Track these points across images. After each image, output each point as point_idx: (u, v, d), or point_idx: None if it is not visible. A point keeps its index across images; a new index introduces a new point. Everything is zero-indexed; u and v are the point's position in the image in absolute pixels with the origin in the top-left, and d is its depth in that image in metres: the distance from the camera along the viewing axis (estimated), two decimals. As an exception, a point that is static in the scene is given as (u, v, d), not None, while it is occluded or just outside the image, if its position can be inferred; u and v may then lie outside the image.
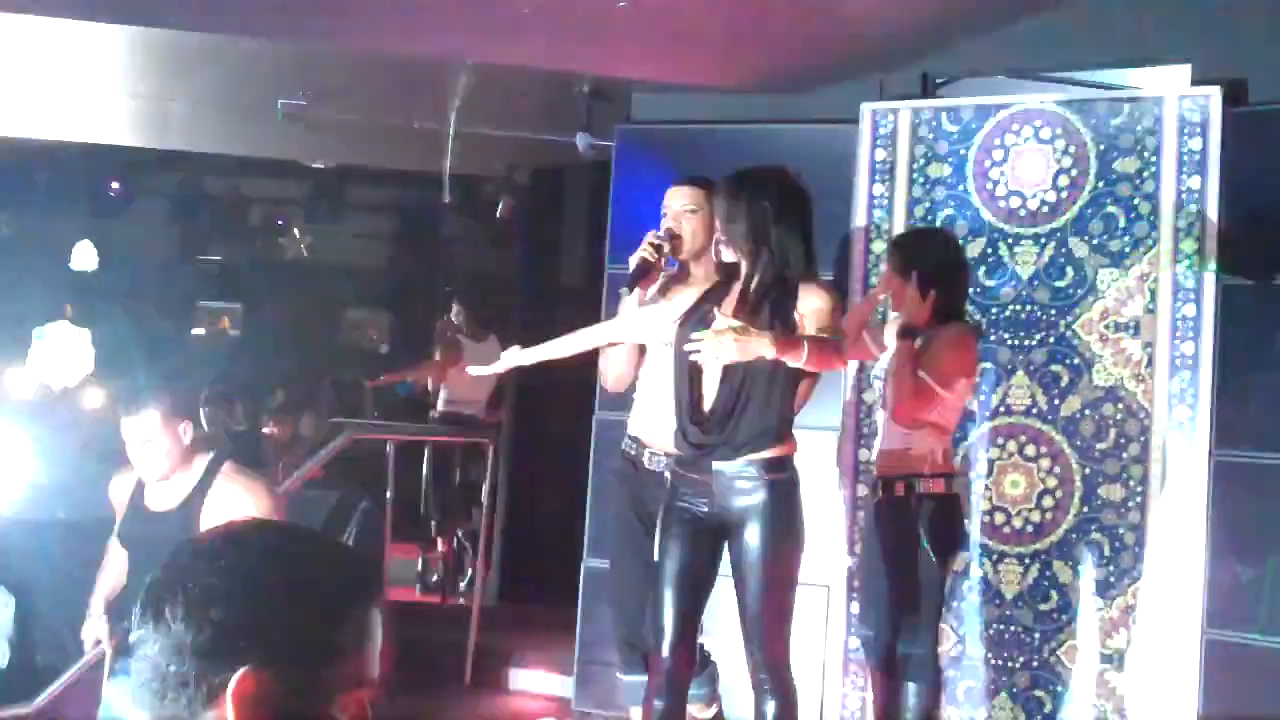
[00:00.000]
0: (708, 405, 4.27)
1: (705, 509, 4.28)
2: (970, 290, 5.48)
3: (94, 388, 10.55)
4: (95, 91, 8.12)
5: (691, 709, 4.58)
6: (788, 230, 4.28)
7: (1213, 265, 5.15)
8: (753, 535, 4.23)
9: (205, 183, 12.48)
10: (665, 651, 4.32)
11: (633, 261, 4.53)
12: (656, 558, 4.36)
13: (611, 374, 4.88)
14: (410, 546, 9.06)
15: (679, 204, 4.69)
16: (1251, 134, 5.25)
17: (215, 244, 13.25)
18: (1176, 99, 5.24)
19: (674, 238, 4.62)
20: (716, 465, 4.25)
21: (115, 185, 11.70)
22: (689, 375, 4.29)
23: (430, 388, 9.35)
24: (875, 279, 5.65)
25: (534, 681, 6.44)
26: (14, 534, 6.80)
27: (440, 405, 9.02)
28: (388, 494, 6.94)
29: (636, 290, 4.53)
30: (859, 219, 5.70)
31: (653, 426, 4.62)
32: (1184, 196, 5.21)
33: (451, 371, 8.77)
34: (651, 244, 4.53)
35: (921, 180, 5.64)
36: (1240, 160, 5.21)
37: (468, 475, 8.91)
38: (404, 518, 8.19)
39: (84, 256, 11.98)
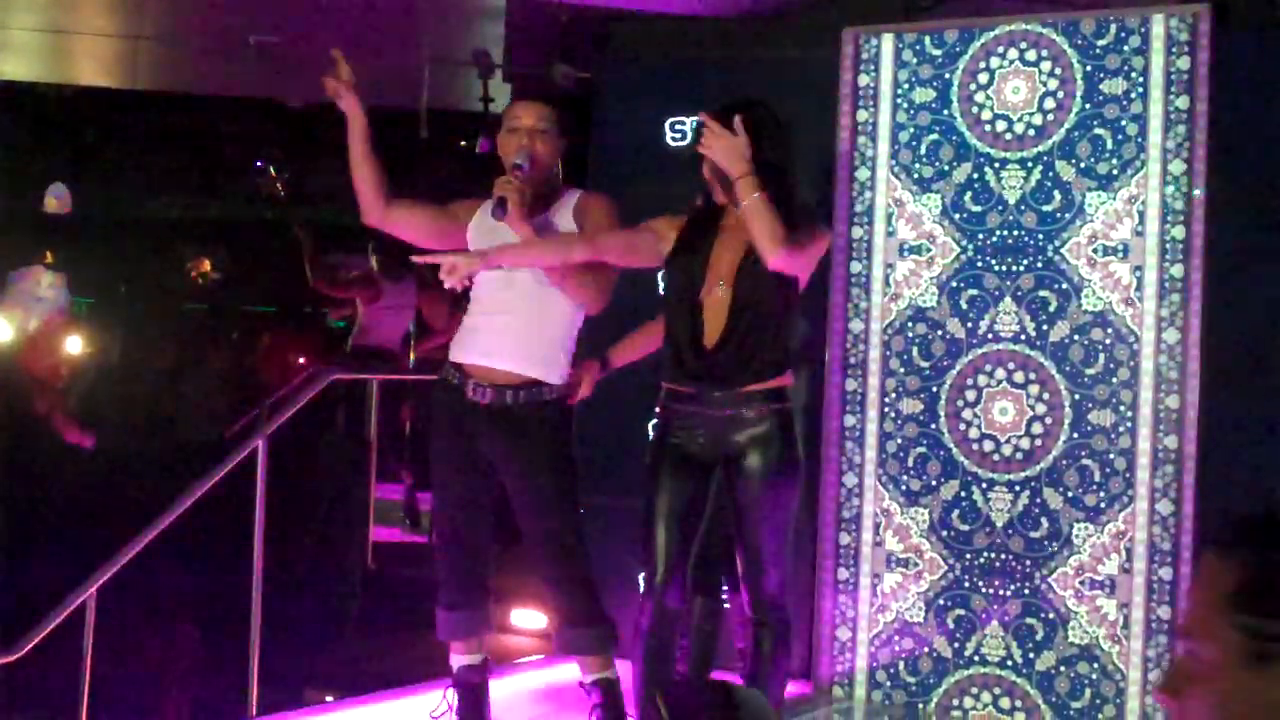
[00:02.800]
0: (711, 336, 4.21)
1: (701, 442, 4.24)
2: (957, 216, 5.42)
3: (72, 333, 10.46)
4: (61, 32, 7.99)
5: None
6: (772, 162, 4.21)
7: (1202, 186, 5.08)
8: (754, 467, 4.19)
9: (178, 122, 12.36)
10: (657, 588, 4.29)
11: (509, 194, 4.19)
12: (646, 494, 4.32)
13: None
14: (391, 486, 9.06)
15: (530, 121, 4.37)
16: (1239, 52, 5.17)
17: (190, 185, 13.15)
18: (1164, 17, 5.15)
19: (532, 160, 4.31)
20: (719, 395, 4.20)
21: (90, 128, 11.60)
22: (690, 307, 4.23)
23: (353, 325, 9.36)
24: (859, 206, 5.58)
25: (523, 619, 6.41)
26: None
27: (355, 341, 9.02)
28: (371, 434, 6.89)
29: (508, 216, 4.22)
30: (842, 145, 5.62)
31: (479, 354, 4.38)
32: (1172, 117, 5.14)
33: (369, 309, 8.84)
34: (515, 178, 4.23)
35: (905, 105, 5.55)
36: (1229, 78, 5.14)
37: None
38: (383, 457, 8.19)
39: (55, 199, 11.85)
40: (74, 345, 10.57)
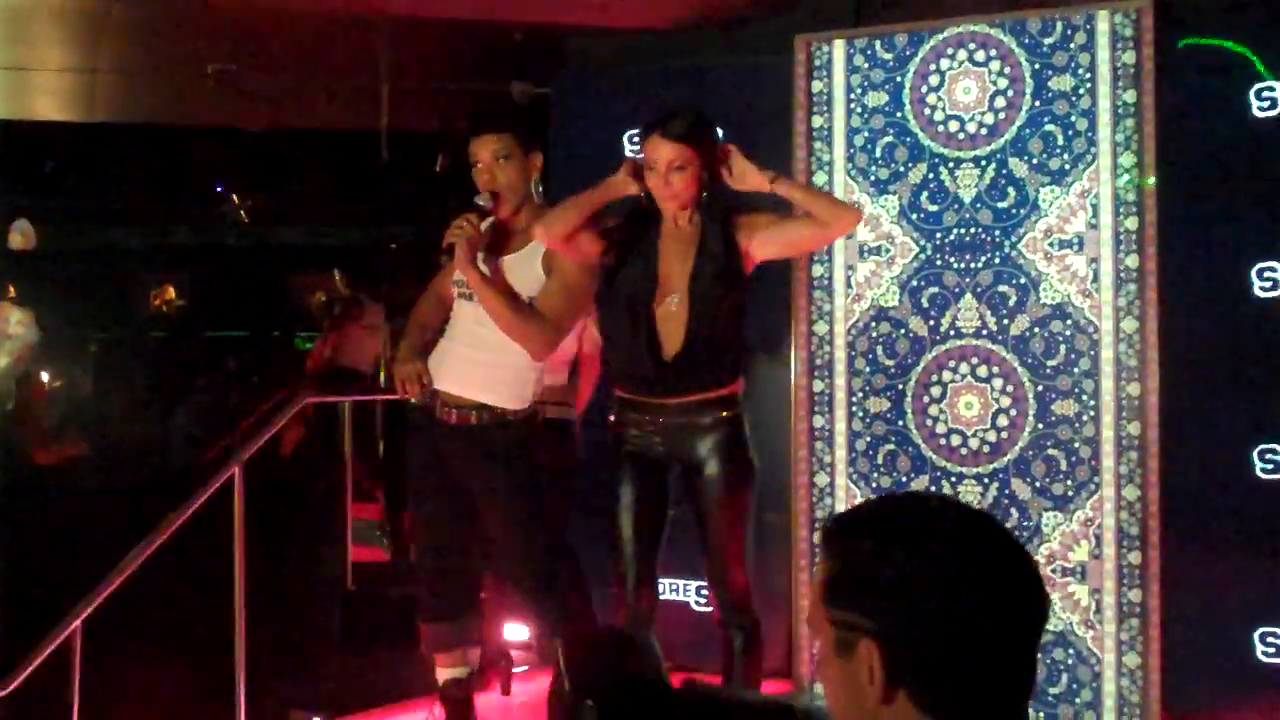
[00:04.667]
0: (669, 347, 4.30)
1: (659, 450, 4.33)
2: (915, 216, 5.52)
3: (40, 366, 10.48)
4: (18, 67, 8.02)
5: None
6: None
7: (1152, 178, 5.19)
8: (713, 474, 4.29)
9: (138, 154, 12.39)
10: (629, 593, 4.38)
11: (456, 241, 4.27)
12: (610, 502, 4.42)
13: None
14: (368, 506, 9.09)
15: (488, 155, 4.42)
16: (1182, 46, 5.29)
17: (154, 214, 13.16)
18: (1109, 13, 5.26)
19: (496, 196, 4.40)
20: (675, 404, 4.29)
21: (47, 162, 11.60)
22: (645, 319, 4.31)
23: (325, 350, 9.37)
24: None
25: (509, 632, 6.46)
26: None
27: (329, 361, 9.03)
28: (346, 455, 6.94)
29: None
30: (799, 151, 5.70)
31: (448, 380, 4.49)
32: (1120, 110, 5.24)
33: (348, 330, 8.89)
34: (468, 221, 4.31)
35: (859, 110, 5.64)
36: (1174, 70, 5.25)
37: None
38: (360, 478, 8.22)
39: (20, 235, 11.86)
40: (38, 380, 10.61)
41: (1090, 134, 5.27)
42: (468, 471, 4.45)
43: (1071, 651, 5.25)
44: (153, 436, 11.23)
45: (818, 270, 5.66)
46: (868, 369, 5.58)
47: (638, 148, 6.22)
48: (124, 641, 6.36)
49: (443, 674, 4.66)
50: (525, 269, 4.39)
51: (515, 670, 6.02)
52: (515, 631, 6.20)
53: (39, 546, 7.88)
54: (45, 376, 10.41)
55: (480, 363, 4.42)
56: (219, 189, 12.69)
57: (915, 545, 1.55)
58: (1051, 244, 5.31)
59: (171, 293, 14.70)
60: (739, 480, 4.32)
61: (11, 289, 11.42)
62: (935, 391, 5.47)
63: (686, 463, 4.33)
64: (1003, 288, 5.37)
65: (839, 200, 4.24)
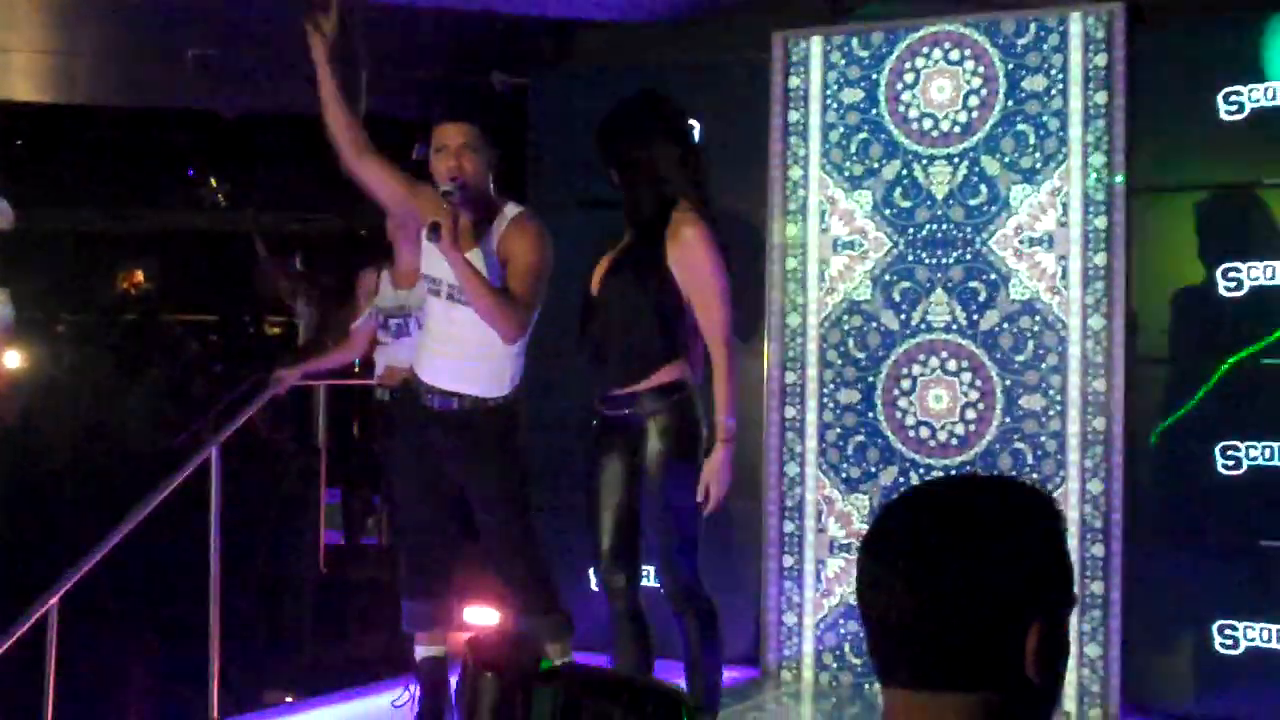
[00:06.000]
0: (603, 343, 4.44)
1: (617, 443, 4.42)
2: (888, 211, 5.61)
3: (12, 348, 10.46)
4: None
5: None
6: (664, 158, 4.42)
7: (1121, 177, 5.29)
8: (652, 463, 4.37)
9: (115, 137, 12.37)
10: (604, 575, 4.48)
11: (442, 222, 4.27)
12: (586, 497, 4.51)
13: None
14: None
15: (458, 141, 4.44)
16: (1154, 46, 5.39)
17: (129, 198, 13.15)
18: (1081, 15, 5.35)
19: (463, 185, 4.40)
20: (615, 398, 4.39)
21: (19, 143, 11.59)
22: (589, 317, 4.47)
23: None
24: (793, 204, 5.75)
25: (476, 615, 6.53)
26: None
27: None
28: (320, 441, 6.99)
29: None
30: (775, 145, 5.78)
31: (428, 373, 4.59)
32: (1091, 111, 5.34)
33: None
34: (450, 203, 4.33)
35: (835, 105, 5.73)
36: (1144, 72, 5.35)
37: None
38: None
39: (1, 215, 11.83)
40: (12, 360, 10.59)
41: (1062, 133, 5.37)
42: (449, 455, 4.53)
43: (1035, 641, 5.34)
44: (117, 419, 11.24)
45: (791, 264, 5.74)
46: (839, 361, 5.67)
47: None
48: (99, 621, 6.40)
49: (421, 651, 4.73)
50: (482, 261, 4.46)
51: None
52: (481, 616, 6.27)
53: (9, 525, 7.90)
54: (10, 357, 10.41)
55: (455, 357, 4.50)
56: (190, 173, 12.70)
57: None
58: (1022, 241, 5.41)
59: (140, 276, 14.71)
60: (680, 465, 4.39)
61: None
62: (905, 384, 5.56)
63: (632, 454, 4.43)
64: (973, 283, 5.47)
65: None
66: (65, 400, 10.93)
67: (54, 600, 5.32)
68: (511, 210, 4.53)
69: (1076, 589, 5.15)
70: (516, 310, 4.37)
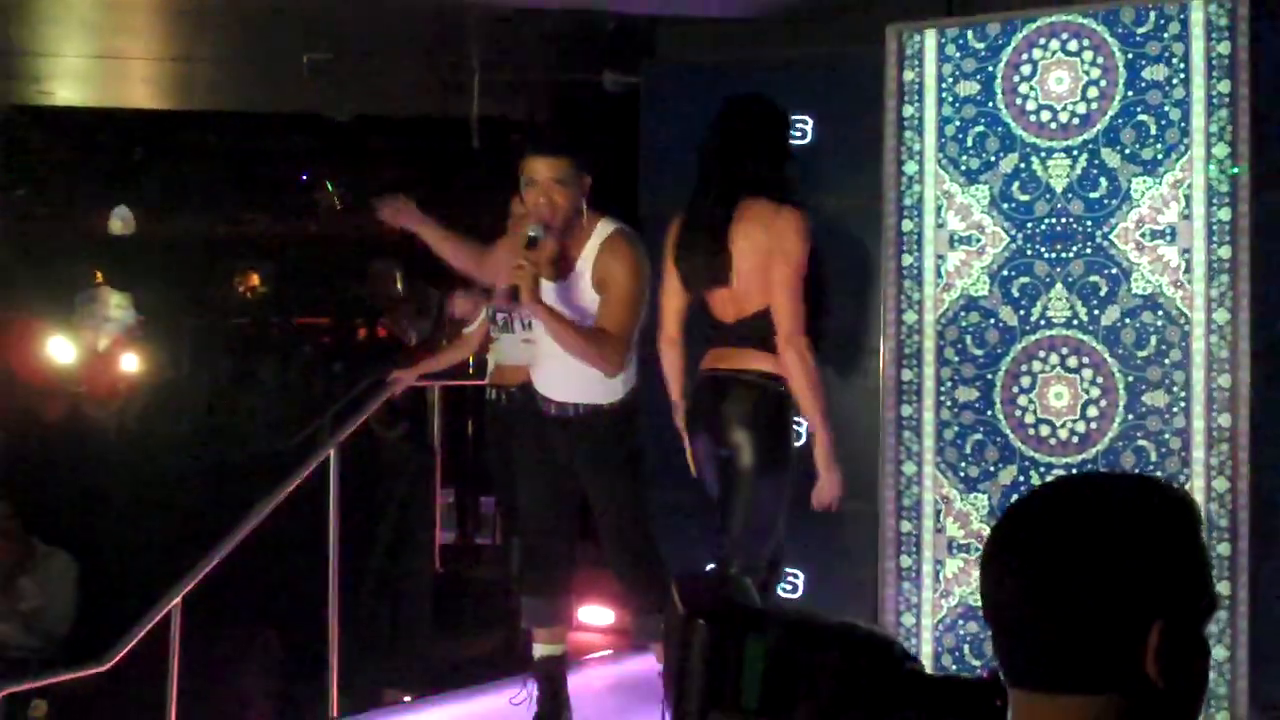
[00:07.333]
0: None
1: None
2: (1006, 206, 5.53)
3: (131, 352, 10.65)
4: (118, 57, 8.16)
5: None
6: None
7: (1235, 168, 5.17)
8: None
9: (231, 141, 12.55)
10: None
11: (521, 283, 4.32)
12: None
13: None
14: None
15: (547, 175, 4.46)
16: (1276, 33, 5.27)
17: (244, 202, 13.33)
18: (1203, 3, 5.24)
19: (548, 228, 4.44)
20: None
21: (139, 149, 11.79)
22: None
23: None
24: (908, 200, 5.69)
25: (590, 615, 6.54)
26: (73, 496, 6.92)
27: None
28: (435, 441, 7.03)
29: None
30: (889, 140, 5.72)
31: (539, 383, 4.71)
32: (1214, 101, 5.22)
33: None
34: (528, 259, 4.35)
35: (950, 99, 5.65)
36: (1269, 61, 5.23)
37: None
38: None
39: (120, 221, 12.07)
40: (131, 364, 10.79)
41: (1184, 124, 5.26)
42: (568, 455, 4.56)
43: (1160, 642, 5.24)
44: (235, 420, 11.41)
45: (907, 260, 5.68)
46: (956, 358, 5.59)
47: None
48: (220, 620, 6.49)
49: (539, 649, 4.76)
50: (576, 292, 4.47)
51: (600, 654, 6.09)
52: (599, 615, 6.28)
53: (131, 526, 8.03)
54: (129, 360, 10.59)
55: (563, 368, 4.55)
56: (304, 177, 12.85)
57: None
58: (1143, 234, 5.30)
59: (255, 279, 14.90)
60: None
61: (98, 274, 11.63)
62: (1025, 381, 5.47)
63: None
64: (1093, 278, 5.37)
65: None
66: (184, 402, 11.11)
67: (177, 600, 5.40)
68: (604, 229, 4.52)
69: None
70: (609, 347, 4.41)
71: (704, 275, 4.71)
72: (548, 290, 4.48)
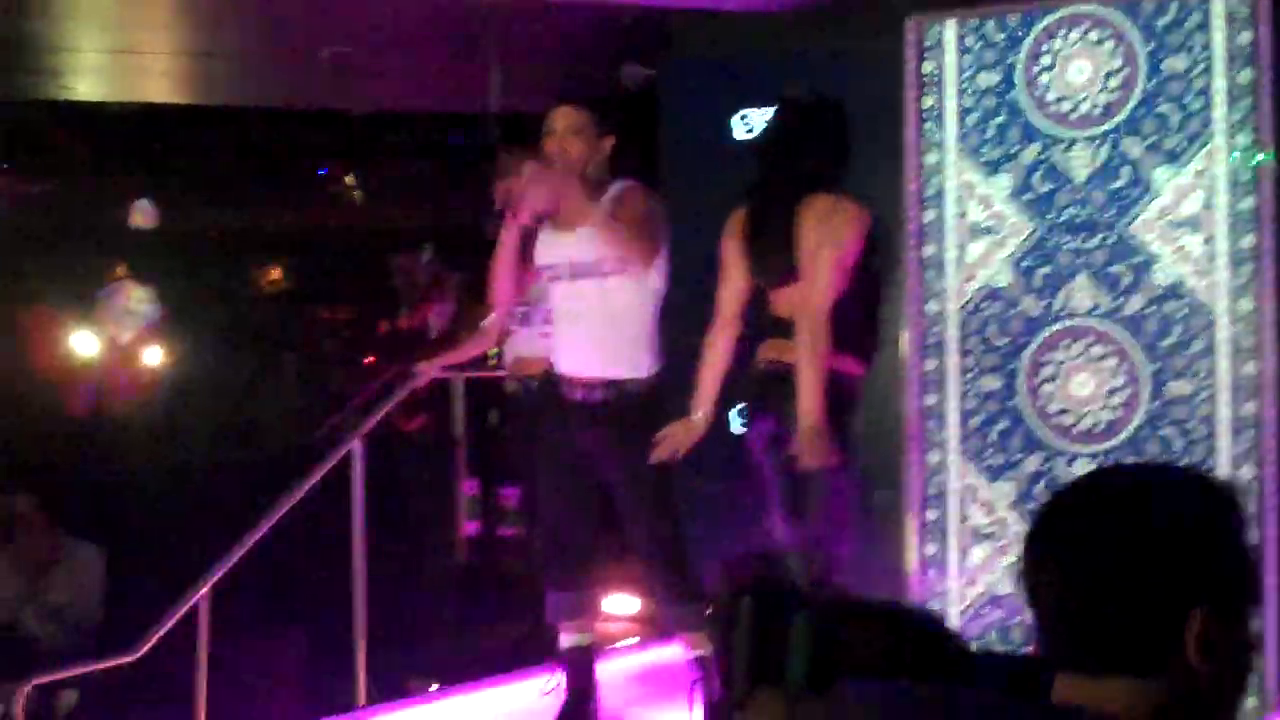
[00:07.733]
0: None
1: None
2: (1027, 196, 5.54)
3: (154, 345, 10.69)
4: (138, 51, 8.19)
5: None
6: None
7: (1260, 155, 5.18)
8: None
9: (252, 136, 12.58)
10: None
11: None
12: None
13: None
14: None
15: (562, 124, 4.55)
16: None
17: (265, 196, 13.37)
18: (1224, -7, 5.24)
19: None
20: None
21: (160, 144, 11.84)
22: None
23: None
24: (929, 191, 5.70)
25: (616, 604, 6.57)
26: (100, 489, 6.96)
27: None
28: (458, 431, 7.07)
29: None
30: (910, 132, 5.73)
31: (565, 363, 4.72)
32: (1235, 92, 5.23)
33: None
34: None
35: (970, 90, 5.66)
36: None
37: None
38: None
39: (142, 215, 12.12)
40: (154, 357, 10.84)
41: (1206, 114, 5.26)
42: (592, 446, 4.57)
43: (1183, 630, 5.25)
44: (259, 413, 11.45)
45: (929, 250, 5.69)
46: (980, 348, 5.61)
47: (748, 129, 6.30)
48: (247, 611, 6.53)
49: (567, 640, 4.78)
50: (588, 244, 4.48)
51: (627, 642, 6.12)
52: (625, 604, 6.31)
53: (158, 517, 8.08)
54: (153, 353, 10.63)
55: (586, 333, 4.53)
56: (324, 171, 12.88)
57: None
58: (1166, 224, 5.31)
59: (277, 273, 14.95)
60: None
61: (119, 269, 11.67)
62: (1048, 370, 5.49)
63: None
64: (1117, 267, 5.38)
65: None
66: (208, 395, 11.15)
67: (204, 590, 5.45)
68: (620, 185, 4.58)
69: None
70: (635, 237, 4.43)
71: (772, 272, 4.73)
72: (560, 242, 4.52)
